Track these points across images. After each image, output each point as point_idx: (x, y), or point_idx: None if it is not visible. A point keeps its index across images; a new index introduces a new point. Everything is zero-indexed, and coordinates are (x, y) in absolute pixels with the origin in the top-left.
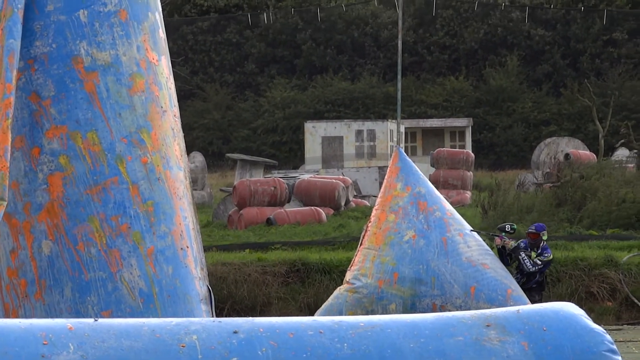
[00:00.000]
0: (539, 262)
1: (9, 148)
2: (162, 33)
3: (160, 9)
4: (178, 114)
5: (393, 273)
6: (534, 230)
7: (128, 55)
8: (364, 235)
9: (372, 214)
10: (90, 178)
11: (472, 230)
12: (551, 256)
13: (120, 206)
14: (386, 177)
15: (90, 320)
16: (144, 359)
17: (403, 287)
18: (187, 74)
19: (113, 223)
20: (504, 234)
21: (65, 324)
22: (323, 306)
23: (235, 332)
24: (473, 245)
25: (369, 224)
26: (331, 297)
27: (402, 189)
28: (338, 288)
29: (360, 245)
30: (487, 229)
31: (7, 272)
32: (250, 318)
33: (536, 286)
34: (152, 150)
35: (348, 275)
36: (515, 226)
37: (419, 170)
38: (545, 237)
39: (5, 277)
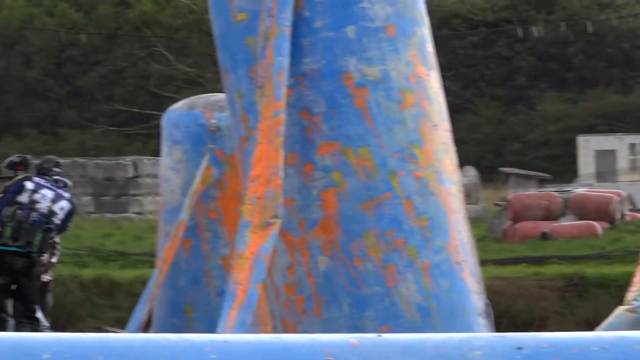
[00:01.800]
0: None
1: (282, 166)
2: (430, 47)
3: (428, 23)
4: (449, 129)
5: None
6: None
7: (397, 70)
8: None
9: None
10: (364, 193)
11: None
12: None
13: (394, 221)
14: None
15: (374, 336)
16: None
17: None
18: (458, 89)
19: (388, 238)
20: None
21: (348, 339)
22: (602, 324)
23: (519, 348)
24: None
25: None
26: (611, 316)
27: None
28: (618, 307)
29: (638, 264)
30: None
31: (284, 288)
32: (533, 333)
33: None
34: (424, 164)
35: (628, 296)
36: None
37: None
38: None
39: (282, 293)
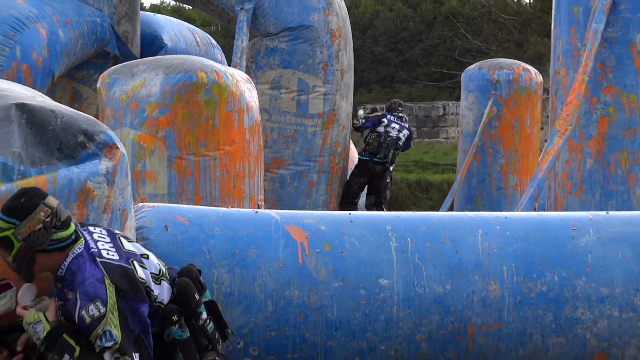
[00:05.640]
0: None
1: (581, 96)
2: None
3: None
4: None
5: None
6: None
7: None
8: None
9: None
10: (626, 124)
11: None
12: None
13: None
14: None
15: (603, 213)
16: None
17: None
18: None
19: (636, 156)
20: None
21: (587, 215)
22: None
23: None
24: None
25: None
26: None
27: None
28: None
29: None
30: None
31: (561, 174)
32: None
33: None
34: None
35: None
36: None
37: None
38: None
39: (559, 177)
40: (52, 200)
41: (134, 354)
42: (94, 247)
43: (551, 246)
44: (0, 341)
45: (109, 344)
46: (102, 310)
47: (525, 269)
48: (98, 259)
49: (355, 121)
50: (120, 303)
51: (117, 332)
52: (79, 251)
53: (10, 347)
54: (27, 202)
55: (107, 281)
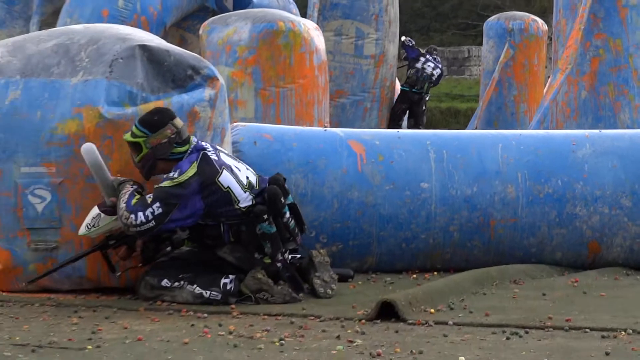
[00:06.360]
0: None
1: (580, 40)
2: None
3: None
4: None
5: None
6: None
7: None
8: None
9: None
10: (613, 62)
11: None
12: None
13: (626, 80)
14: None
15: (597, 131)
16: None
17: None
18: None
19: (620, 88)
20: None
21: (584, 133)
22: None
23: None
24: None
25: None
26: None
27: None
28: None
29: None
30: None
31: (561, 103)
32: None
33: None
34: None
35: None
36: None
37: None
38: None
39: (560, 105)
40: (178, 122)
41: (160, 204)
42: (203, 147)
43: (555, 157)
44: (118, 244)
45: (165, 182)
46: (175, 175)
47: (535, 175)
48: (202, 152)
49: (401, 50)
50: (188, 180)
51: (170, 184)
52: (190, 155)
53: (128, 245)
54: (159, 119)
55: (195, 164)
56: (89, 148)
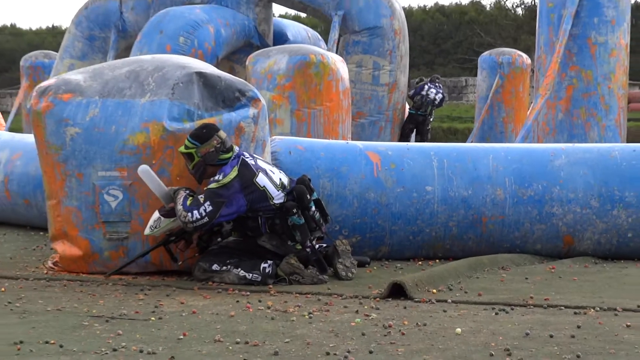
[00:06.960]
0: None
1: (556, 71)
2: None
3: None
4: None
5: None
6: None
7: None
8: None
9: None
10: (584, 89)
11: None
12: None
13: (596, 104)
14: None
15: (577, 145)
16: None
17: None
18: None
19: (590, 111)
20: None
21: (560, 146)
22: None
23: None
24: None
25: None
26: None
27: None
28: None
29: None
30: None
31: (541, 123)
32: None
33: None
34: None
35: None
36: None
37: None
38: None
39: (540, 124)
40: (222, 133)
41: (210, 202)
42: (242, 154)
43: (537, 166)
44: (178, 240)
45: (212, 184)
46: (220, 177)
47: (520, 180)
48: (241, 157)
49: (409, 92)
50: (231, 182)
51: (216, 186)
52: (232, 161)
53: (185, 239)
54: (207, 132)
55: (236, 168)
56: (144, 169)
